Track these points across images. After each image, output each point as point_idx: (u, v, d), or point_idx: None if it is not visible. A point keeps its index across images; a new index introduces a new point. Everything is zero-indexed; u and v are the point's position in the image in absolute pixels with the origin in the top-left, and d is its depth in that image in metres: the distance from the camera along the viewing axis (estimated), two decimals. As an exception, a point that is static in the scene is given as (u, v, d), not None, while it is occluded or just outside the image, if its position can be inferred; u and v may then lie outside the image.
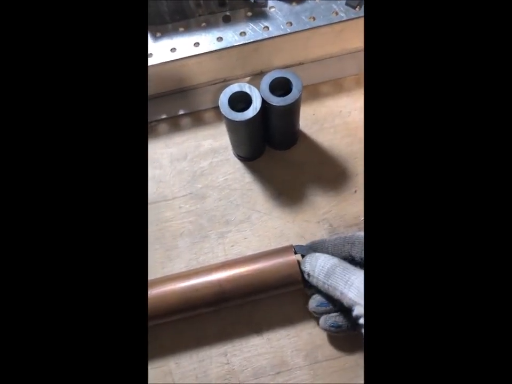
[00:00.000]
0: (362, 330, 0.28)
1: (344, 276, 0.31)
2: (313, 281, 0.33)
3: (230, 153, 0.44)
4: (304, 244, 0.38)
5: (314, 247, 0.37)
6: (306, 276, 0.34)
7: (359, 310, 0.29)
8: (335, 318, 0.34)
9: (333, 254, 0.35)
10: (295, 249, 0.37)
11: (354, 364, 0.36)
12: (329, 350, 0.37)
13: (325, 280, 0.32)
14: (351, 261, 0.34)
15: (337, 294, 0.31)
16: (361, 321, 0.29)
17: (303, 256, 0.37)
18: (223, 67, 0.44)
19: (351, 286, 0.30)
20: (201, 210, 0.42)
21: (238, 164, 0.44)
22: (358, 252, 0.35)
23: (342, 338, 0.37)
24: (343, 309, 0.33)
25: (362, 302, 0.29)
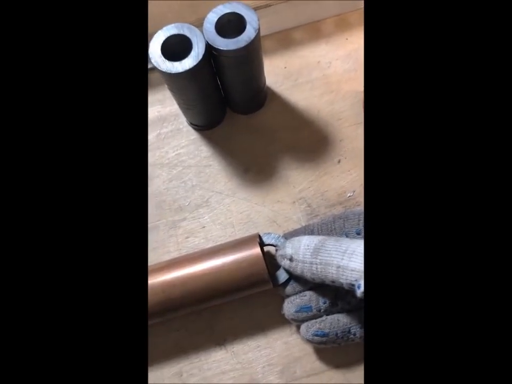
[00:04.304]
0: None
1: (340, 246, 0.23)
2: (297, 267, 0.25)
3: (182, 121, 0.35)
4: (273, 232, 0.30)
5: (291, 235, 0.29)
6: (287, 262, 0.26)
7: None
8: (319, 324, 0.27)
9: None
10: (262, 239, 0.29)
11: (342, 378, 0.29)
12: (311, 363, 0.29)
13: (312, 259, 0.24)
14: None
15: (331, 273, 0.23)
16: None
17: (275, 247, 0.29)
18: (167, 11, 0.35)
19: (352, 254, 0.22)
20: (148, 194, 0.34)
21: (193, 135, 0.35)
22: (354, 225, 0.27)
23: (327, 348, 0.29)
24: (338, 298, 0.27)
25: None
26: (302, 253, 0.25)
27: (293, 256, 0.26)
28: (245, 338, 0.30)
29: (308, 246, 0.25)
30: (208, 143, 0.35)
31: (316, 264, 0.24)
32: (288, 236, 0.29)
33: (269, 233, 0.29)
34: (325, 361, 0.29)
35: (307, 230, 0.28)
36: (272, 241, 0.29)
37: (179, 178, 0.34)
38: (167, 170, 0.34)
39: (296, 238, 0.27)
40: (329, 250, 0.23)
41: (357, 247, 0.22)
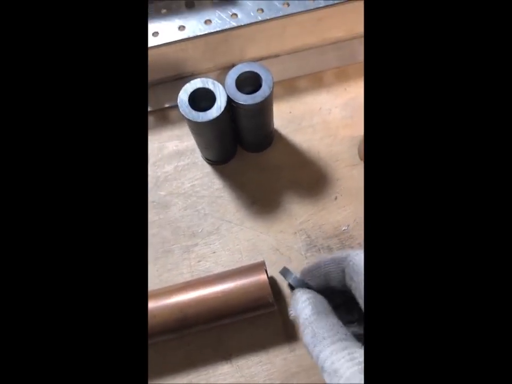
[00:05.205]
0: None
1: (314, 340, 0.24)
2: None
3: (197, 156, 0.40)
4: (293, 272, 0.27)
5: (306, 274, 0.27)
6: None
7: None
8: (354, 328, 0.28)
9: (325, 282, 0.27)
10: (283, 274, 0.27)
11: (334, 393, 0.32)
12: (307, 377, 0.33)
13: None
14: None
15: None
16: None
17: (291, 287, 0.28)
18: (189, 60, 0.39)
19: (335, 373, 0.22)
20: (165, 221, 0.37)
21: (207, 168, 0.39)
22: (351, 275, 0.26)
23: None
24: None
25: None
26: (301, 320, 0.25)
27: (295, 317, 0.25)
28: (248, 354, 0.34)
29: (299, 315, 0.25)
30: (221, 177, 0.39)
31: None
32: (306, 272, 0.27)
33: (290, 272, 0.27)
34: (319, 376, 0.33)
35: (319, 271, 0.26)
36: (294, 282, 0.27)
37: (193, 207, 0.38)
38: (183, 199, 0.38)
39: (295, 297, 0.26)
40: (310, 341, 0.24)
41: (340, 367, 0.22)
